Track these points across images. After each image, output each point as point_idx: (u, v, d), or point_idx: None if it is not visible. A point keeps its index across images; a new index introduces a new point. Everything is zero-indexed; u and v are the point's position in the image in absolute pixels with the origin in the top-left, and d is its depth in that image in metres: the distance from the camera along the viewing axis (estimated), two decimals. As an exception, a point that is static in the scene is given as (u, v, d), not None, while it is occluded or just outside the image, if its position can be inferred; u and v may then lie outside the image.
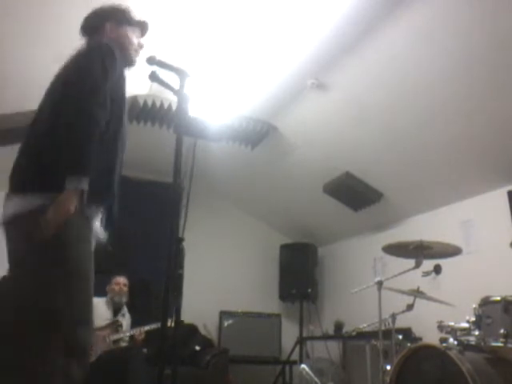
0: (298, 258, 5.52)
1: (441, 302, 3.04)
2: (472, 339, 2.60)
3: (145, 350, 3.99)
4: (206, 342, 4.80)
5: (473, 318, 2.65)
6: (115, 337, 3.92)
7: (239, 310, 5.32)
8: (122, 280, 4.19)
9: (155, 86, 3.71)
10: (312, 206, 5.23)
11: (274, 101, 3.90)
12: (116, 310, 4.11)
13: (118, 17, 1.96)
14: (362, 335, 4.03)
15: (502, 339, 2.41)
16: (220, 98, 3.83)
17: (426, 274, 3.12)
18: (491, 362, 2.37)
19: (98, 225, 1.75)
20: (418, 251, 3.02)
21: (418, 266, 3.04)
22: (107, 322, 3.98)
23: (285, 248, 5.73)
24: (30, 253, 1.54)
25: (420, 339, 3.71)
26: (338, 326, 4.70)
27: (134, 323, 4.17)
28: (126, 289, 4.20)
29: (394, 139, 3.86)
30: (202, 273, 5.14)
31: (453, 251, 3.08)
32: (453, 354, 2.35)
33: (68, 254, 1.56)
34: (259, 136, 4.38)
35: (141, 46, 2.01)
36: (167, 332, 1.55)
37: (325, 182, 4.66)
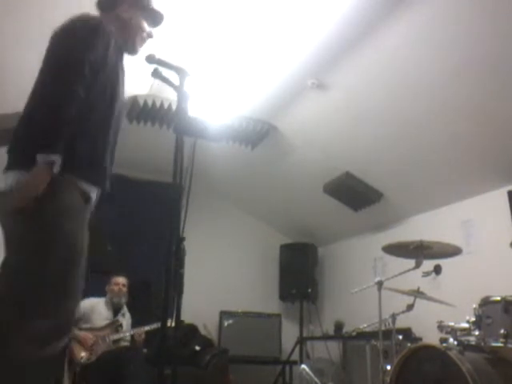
0: (298, 258, 5.52)
1: (441, 302, 3.05)
2: (472, 339, 2.60)
3: (145, 350, 3.99)
4: (206, 342, 4.79)
5: (473, 318, 2.65)
6: (115, 337, 3.92)
7: (239, 310, 5.32)
8: (121, 280, 4.19)
9: (155, 85, 3.72)
10: (312, 206, 5.23)
11: (274, 101, 3.90)
12: (116, 310, 4.11)
13: (136, 0, 1.94)
14: (362, 335, 4.03)
15: (502, 339, 2.41)
16: (220, 97, 3.83)
17: (426, 274, 3.12)
18: (491, 362, 2.37)
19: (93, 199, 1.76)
20: (418, 251, 3.02)
21: (418, 266, 3.04)
22: (107, 322, 3.98)
23: (285, 248, 5.73)
24: (14, 227, 1.57)
25: (420, 339, 3.71)
26: (338, 326, 4.71)
27: (134, 323, 4.17)
28: (125, 289, 4.19)
29: (394, 139, 3.86)
30: (202, 273, 5.14)
31: (453, 251, 3.09)
32: (453, 354, 2.35)
33: (52, 227, 1.56)
34: (259, 136, 4.38)
35: (150, 36, 2.00)
36: (167, 332, 1.55)
37: (325, 182, 4.66)
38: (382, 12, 2.85)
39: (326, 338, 4.92)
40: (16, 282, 1.52)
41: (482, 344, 2.50)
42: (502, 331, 2.41)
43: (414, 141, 3.78)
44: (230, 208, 5.94)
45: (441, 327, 2.75)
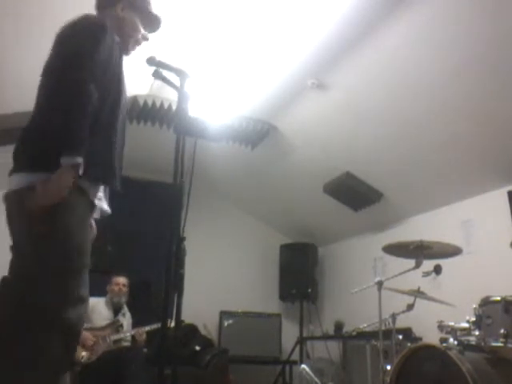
0: (298, 258, 5.52)
1: (441, 302, 3.04)
2: (472, 339, 2.60)
3: (145, 350, 3.99)
4: (206, 342, 4.79)
5: (473, 318, 2.64)
6: (116, 337, 3.92)
7: (239, 310, 5.32)
8: (121, 280, 4.20)
9: (155, 85, 3.72)
10: (312, 206, 5.23)
11: (274, 101, 3.90)
12: (116, 310, 4.11)
13: (133, 1, 1.94)
14: (362, 335, 4.03)
15: (502, 339, 2.41)
16: (220, 97, 3.83)
17: (426, 274, 3.11)
18: (491, 362, 2.37)
19: (102, 199, 1.77)
20: (418, 251, 3.02)
21: (418, 265, 3.04)
22: (107, 322, 3.99)
23: (285, 248, 5.73)
24: (22, 229, 1.57)
25: (420, 339, 3.70)
26: (338, 326, 4.71)
27: (135, 323, 4.17)
28: (125, 289, 4.20)
29: (394, 139, 3.86)
30: (202, 273, 5.14)
31: (453, 251, 3.09)
32: (453, 354, 2.35)
33: (59, 228, 1.56)
34: (259, 136, 4.38)
35: (145, 39, 1.99)
36: (167, 332, 1.55)
37: (325, 182, 4.67)
38: (381, 12, 2.85)
39: (325, 337, 4.92)
40: (34, 292, 1.50)
41: (482, 344, 2.50)
42: (502, 331, 2.41)
43: (414, 141, 3.78)
44: (230, 208, 5.94)
45: (441, 327, 2.75)
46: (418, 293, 3.10)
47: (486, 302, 2.61)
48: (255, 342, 5.20)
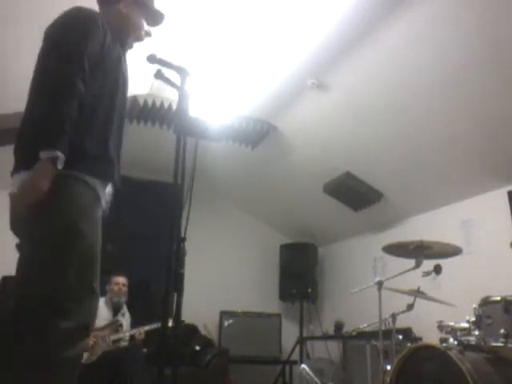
0: (298, 258, 5.52)
1: (441, 302, 3.04)
2: (472, 339, 2.59)
3: (145, 350, 3.99)
4: (206, 342, 4.79)
5: (473, 318, 2.64)
6: (115, 337, 3.92)
7: (239, 310, 5.32)
8: (121, 280, 4.20)
9: (155, 85, 3.72)
10: (312, 206, 5.23)
11: (274, 101, 3.90)
12: (116, 310, 4.12)
13: None
14: (362, 335, 4.03)
15: (502, 339, 2.41)
16: (220, 97, 3.83)
17: (426, 273, 3.11)
18: (491, 362, 2.37)
19: (106, 195, 1.74)
20: (418, 251, 3.02)
21: (418, 266, 3.04)
22: (107, 322, 3.98)
23: (285, 248, 5.73)
24: (28, 230, 1.55)
25: (420, 339, 3.71)
26: (338, 326, 4.71)
27: (134, 323, 4.17)
28: (125, 289, 4.20)
29: (394, 139, 3.86)
30: (202, 273, 5.13)
31: (453, 251, 3.09)
32: (453, 354, 2.35)
33: (68, 224, 1.54)
34: (259, 136, 4.38)
35: (148, 34, 1.98)
36: (167, 332, 1.55)
37: (325, 182, 4.67)
38: (381, 12, 2.85)
39: (326, 337, 4.92)
40: (36, 285, 1.49)
41: (482, 344, 2.50)
42: (502, 331, 2.41)
43: (414, 141, 3.78)
44: (230, 208, 5.94)
45: (441, 327, 2.75)
46: (417, 293, 3.10)
47: (485, 302, 2.61)
48: (255, 342, 5.20)
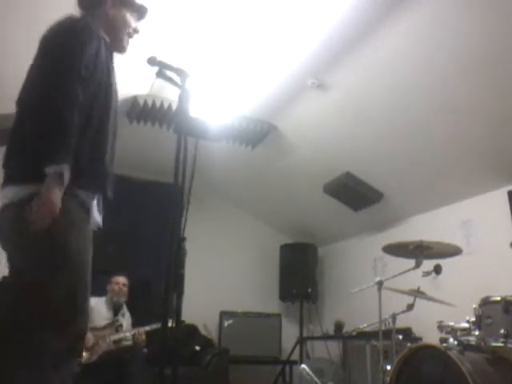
0: (298, 258, 5.52)
1: (441, 302, 3.05)
2: (472, 339, 2.59)
3: (145, 350, 3.99)
4: (206, 342, 4.79)
5: (473, 318, 2.65)
6: (115, 337, 3.92)
7: (239, 310, 5.32)
8: (121, 280, 4.20)
9: (155, 86, 3.72)
10: (312, 206, 5.23)
11: (274, 101, 3.90)
12: (116, 310, 4.12)
13: None
14: (362, 335, 4.03)
15: (502, 339, 2.41)
16: (220, 97, 3.83)
17: (426, 273, 3.11)
18: (491, 362, 2.37)
19: (95, 210, 1.71)
20: (417, 251, 3.02)
21: (418, 266, 3.04)
22: (107, 322, 3.99)
23: (285, 248, 5.73)
24: (19, 246, 1.53)
25: (420, 339, 3.71)
26: (338, 326, 4.71)
27: (135, 323, 4.17)
28: (125, 288, 4.20)
29: (394, 139, 3.86)
30: (203, 273, 5.14)
31: (453, 251, 3.09)
32: (453, 354, 2.35)
33: (59, 242, 1.52)
34: (259, 136, 4.38)
35: (136, 31, 1.94)
36: (167, 332, 1.55)
37: (325, 182, 4.66)
38: (381, 12, 2.85)
39: (326, 337, 4.92)
40: (25, 302, 1.46)
41: (482, 344, 2.50)
42: (502, 331, 2.41)
43: (414, 141, 3.78)
44: (230, 208, 5.94)
45: (441, 327, 2.75)
46: (417, 293, 3.10)
47: (485, 302, 2.61)
48: (255, 342, 5.20)
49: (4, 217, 1.56)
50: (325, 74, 3.47)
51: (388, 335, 3.14)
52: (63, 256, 1.52)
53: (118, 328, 3.98)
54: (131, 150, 4.73)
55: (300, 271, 5.44)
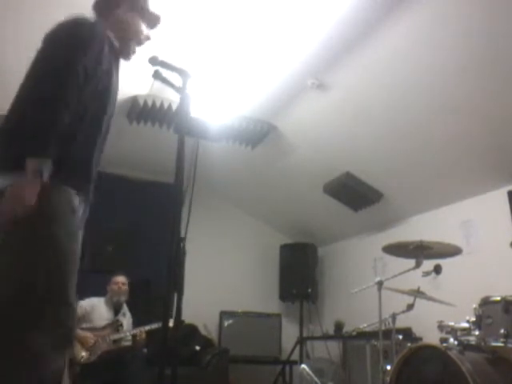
0: (298, 258, 5.52)
1: (441, 302, 3.05)
2: (472, 339, 2.60)
3: (145, 350, 3.99)
4: (206, 342, 4.80)
5: (473, 318, 2.65)
6: (116, 336, 3.92)
7: (239, 310, 5.32)
8: (121, 279, 4.20)
9: (155, 85, 3.72)
10: (312, 206, 5.23)
11: (274, 101, 3.90)
12: (116, 310, 4.12)
13: (134, 2, 1.90)
14: (362, 335, 4.03)
15: (502, 339, 2.41)
16: (220, 97, 3.83)
17: (426, 273, 3.11)
18: (491, 362, 2.37)
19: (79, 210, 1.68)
20: (418, 251, 3.02)
21: (418, 265, 3.04)
22: (107, 321, 3.99)
23: (285, 248, 5.73)
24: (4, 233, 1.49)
25: (420, 339, 3.71)
26: (338, 326, 4.71)
27: (134, 323, 4.17)
28: (125, 288, 4.20)
29: (394, 139, 3.86)
30: (202, 273, 5.14)
31: (453, 251, 3.09)
32: (453, 354, 2.35)
33: (47, 231, 1.49)
34: (259, 136, 4.38)
35: (148, 38, 1.95)
36: (167, 332, 1.55)
37: (325, 182, 4.67)
38: (381, 12, 2.85)
39: (326, 337, 4.92)
40: (9, 297, 1.42)
41: (482, 344, 2.50)
42: (502, 331, 2.41)
43: (414, 141, 3.78)
44: (229, 208, 5.94)
45: (441, 327, 2.75)
46: (417, 293, 3.10)
47: (485, 302, 2.61)
48: (255, 342, 5.20)
49: None
50: (325, 74, 3.47)
51: (388, 335, 3.14)
52: (48, 250, 1.49)
53: (118, 328, 3.98)
54: (131, 150, 4.74)
55: (300, 271, 5.44)
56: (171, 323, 1.58)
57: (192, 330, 4.80)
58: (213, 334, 5.14)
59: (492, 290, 2.68)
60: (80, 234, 1.66)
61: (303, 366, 4.19)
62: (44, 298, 1.46)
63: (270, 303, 5.57)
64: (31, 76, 1.63)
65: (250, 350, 5.10)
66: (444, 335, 2.73)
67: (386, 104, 3.56)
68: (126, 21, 1.87)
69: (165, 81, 1.78)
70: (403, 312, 3.13)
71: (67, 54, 1.59)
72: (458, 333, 2.64)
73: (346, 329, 4.55)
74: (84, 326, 3.88)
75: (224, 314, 5.28)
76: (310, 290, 5.34)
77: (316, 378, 3.99)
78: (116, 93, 1.85)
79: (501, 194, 3.73)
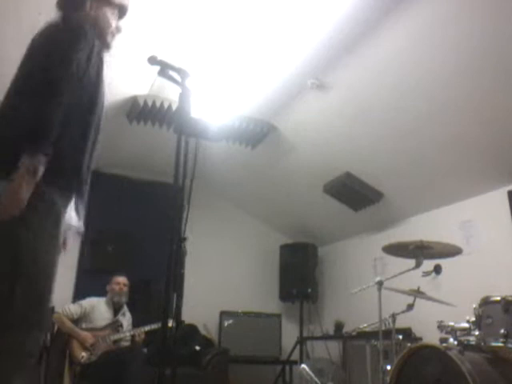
0: (298, 258, 5.52)
1: (441, 302, 3.04)
2: (472, 339, 2.60)
3: (145, 350, 3.99)
4: (206, 342, 4.80)
5: (473, 318, 2.65)
6: (115, 337, 3.92)
7: (239, 310, 5.32)
8: (121, 279, 4.20)
9: (155, 86, 3.72)
10: (312, 206, 5.23)
11: (274, 101, 3.90)
12: (116, 310, 4.12)
13: None
14: (362, 335, 4.03)
15: (502, 339, 2.41)
16: (220, 97, 3.83)
17: (426, 273, 3.11)
18: (491, 362, 2.37)
19: (71, 212, 1.66)
20: (417, 251, 3.02)
21: (418, 265, 3.04)
22: (107, 322, 3.99)
23: (285, 248, 5.73)
24: None
25: (420, 339, 3.71)
26: (338, 326, 4.71)
27: (135, 323, 4.17)
28: (126, 288, 4.20)
29: (394, 139, 3.86)
30: (202, 273, 5.14)
31: (453, 251, 3.09)
32: (453, 354, 2.35)
33: (23, 246, 1.45)
34: (259, 136, 4.38)
35: (118, 30, 1.90)
36: (167, 332, 1.55)
37: (325, 182, 4.67)
38: (381, 12, 2.85)
39: (326, 337, 4.92)
40: None
41: (482, 344, 2.50)
42: (502, 331, 2.41)
43: (414, 141, 3.78)
44: (229, 208, 5.94)
45: (441, 327, 2.75)
46: (417, 293, 3.10)
47: (486, 302, 2.61)
48: (255, 342, 5.20)
49: None
50: (325, 74, 3.47)
51: (388, 335, 3.14)
52: (18, 264, 1.44)
53: (118, 328, 3.98)
54: (131, 150, 4.74)
55: (300, 271, 5.44)
56: (171, 323, 1.58)
57: (192, 330, 4.80)
58: (213, 334, 5.14)
59: (492, 290, 2.68)
60: (61, 239, 1.63)
61: (303, 366, 4.19)
62: (19, 317, 1.42)
63: (270, 303, 5.57)
64: (23, 75, 1.61)
65: (249, 350, 5.10)
66: (444, 335, 2.73)
67: (386, 104, 3.55)
68: (95, 17, 1.82)
69: (170, 78, 1.77)
70: (403, 312, 3.13)
71: (60, 51, 1.58)
72: (458, 333, 2.64)
73: (346, 329, 4.55)
74: (84, 326, 3.89)
75: (224, 314, 5.28)
76: (309, 290, 5.34)
77: (316, 378, 3.99)
78: (104, 91, 1.81)
79: (501, 194, 3.73)
